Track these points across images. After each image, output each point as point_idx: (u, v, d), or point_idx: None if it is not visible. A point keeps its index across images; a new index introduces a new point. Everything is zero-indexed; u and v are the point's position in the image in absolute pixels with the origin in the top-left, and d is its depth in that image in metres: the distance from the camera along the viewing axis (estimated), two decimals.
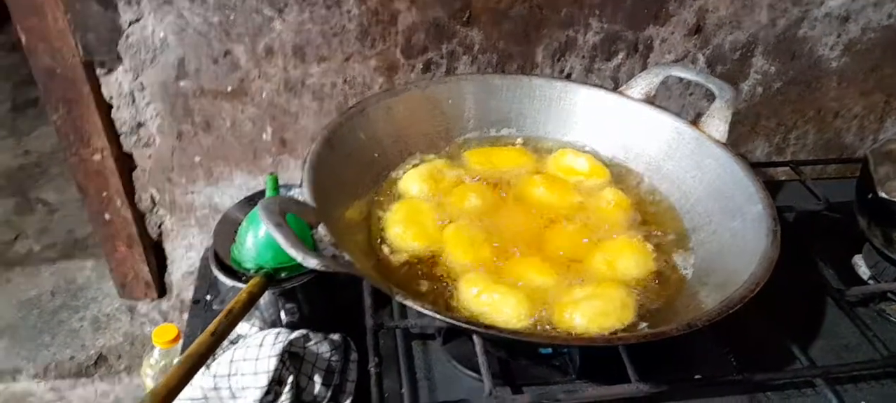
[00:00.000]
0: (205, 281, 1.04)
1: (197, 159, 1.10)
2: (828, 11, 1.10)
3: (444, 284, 0.71)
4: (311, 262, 0.54)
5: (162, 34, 0.98)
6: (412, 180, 0.83)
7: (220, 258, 0.87)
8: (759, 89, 1.17)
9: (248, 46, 1.00)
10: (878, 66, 1.17)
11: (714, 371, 0.75)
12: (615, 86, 1.12)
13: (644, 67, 1.12)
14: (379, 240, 0.76)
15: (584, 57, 1.09)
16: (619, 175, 0.88)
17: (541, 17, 1.04)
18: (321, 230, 0.62)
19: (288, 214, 0.61)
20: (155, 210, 1.16)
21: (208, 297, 1.00)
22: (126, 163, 1.10)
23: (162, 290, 1.26)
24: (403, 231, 0.76)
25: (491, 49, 1.07)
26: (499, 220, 0.80)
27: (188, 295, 1.26)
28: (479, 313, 0.68)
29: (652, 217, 0.83)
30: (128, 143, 1.08)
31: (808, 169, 1.08)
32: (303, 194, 0.68)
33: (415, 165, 0.86)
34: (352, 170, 0.80)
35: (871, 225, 0.92)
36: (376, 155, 0.84)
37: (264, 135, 1.09)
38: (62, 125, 1.04)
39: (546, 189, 0.84)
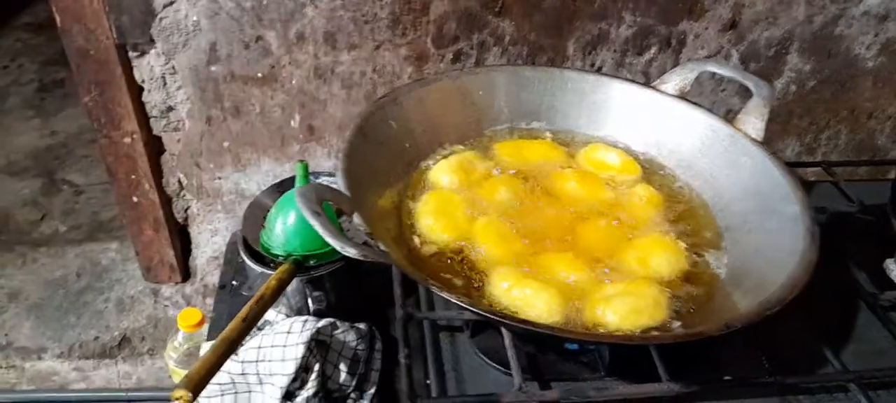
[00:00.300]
0: (231, 267, 1.05)
1: (225, 144, 1.10)
2: (866, 9, 1.08)
3: (475, 277, 0.71)
4: (350, 251, 0.54)
5: (195, 18, 0.98)
6: (443, 171, 0.82)
7: (249, 243, 0.88)
8: (793, 87, 1.15)
9: (279, 32, 1.00)
10: None
11: (745, 373, 0.74)
12: (646, 81, 1.10)
13: (676, 63, 1.10)
14: (409, 231, 0.76)
15: (615, 51, 1.08)
16: (650, 171, 0.87)
17: (574, 9, 1.03)
18: (356, 219, 0.62)
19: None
20: (182, 194, 1.17)
21: (234, 282, 1.00)
22: (155, 147, 1.11)
23: (186, 274, 1.27)
24: (434, 222, 0.75)
25: (522, 41, 1.06)
26: (529, 214, 0.80)
27: (212, 279, 1.26)
28: (510, 307, 0.67)
29: (684, 214, 0.82)
30: (158, 127, 1.08)
31: (840, 169, 1.06)
32: (336, 182, 0.68)
33: (445, 156, 0.86)
34: (383, 159, 0.80)
35: None
36: (407, 144, 0.84)
37: (292, 122, 1.09)
38: (94, 107, 1.05)
39: (577, 183, 0.83)
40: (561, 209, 0.80)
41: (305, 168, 0.86)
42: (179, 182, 1.15)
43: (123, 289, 1.36)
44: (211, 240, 1.22)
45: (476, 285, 0.70)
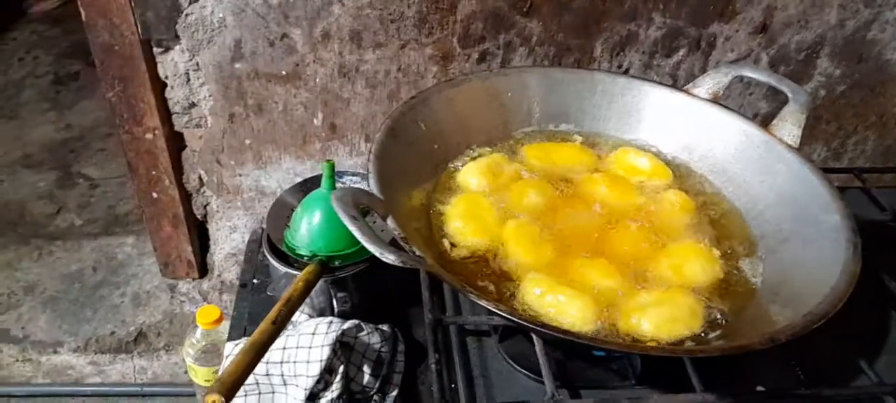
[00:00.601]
0: (251, 265, 1.04)
1: (247, 142, 1.09)
2: None
3: (506, 282, 0.70)
4: (390, 258, 0.53)
5: (221, 14, 0.97)
6: (471, 173, 0.81)
7: (273, 243, 0.87)
8: (822, 92, 1.13)
9: (305, 30, 0.99)
10: None
11: (779, 384, 0.73)
12: (675, 83, 1.09)
13: (705, 65, 1.09)
14: (439, 233, 0.75)
15: (643, 52, 1.06)
16: (682, 176, 0.86)
17: (603, 10, 1.01)
18: (390, 222, 0.61)
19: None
20: (202, 190, 1.16)
21: (256, 281, 0.99)
22: (176, 143, 1.10)
23: (203, 270, 1.26)
24: (464, 225, 0.74)
25: (549, 41, 1.04)
26: (559, 218, 0.79)
27: (229, 276, 1.26)
28: (543, 313, 0.66)
29: (717, 221, 0.80)
30: (180, 123, 1.07)
31: (870, 176, 1.04)
32: (363, 183, 0.67)
33: (473, 158, 0.84)
34: (412, 160, 0.79)
35: None
36: (436, 146, 0.83)
37: (315, 121, 1.08)
38: (117, 102, 1.04)
39: (608, 188, 0.82)
40: (591, 213, 0.79)
41: (332, 168, 0.85)
42: (200, 178, 1.14)
43: (140, 284, 1.35)
44: (229, 237, 1.21)
45: (508, 290, 0.69)
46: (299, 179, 1.12)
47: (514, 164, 0.85)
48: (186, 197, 1.16)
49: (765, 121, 0.86)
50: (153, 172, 1.11)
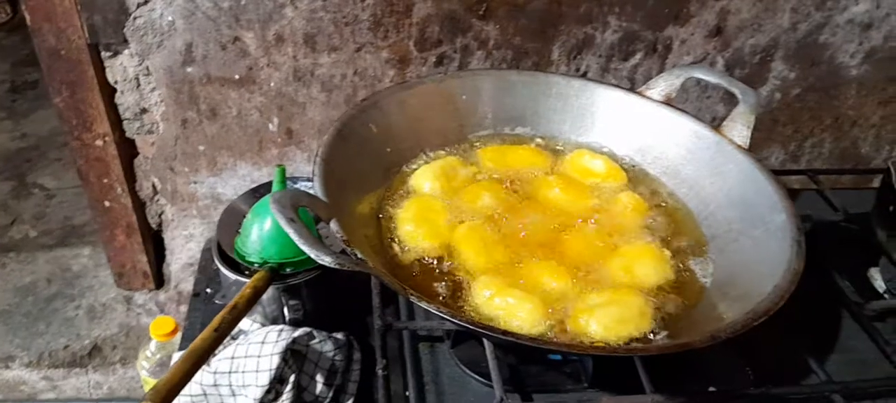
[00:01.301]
0: (205, 274, 1.02)
1: (201, 148, 1.07)
2: (851, 18, 1.08)
3: (456, 285, 0.69)
4: (325, 259, 0.52)
5: (170, 18, 0.95)
6: (424, 177, 0.80)
7: (224, 250, 0.85)
8: (778, 95, 1.15)
9: (257, 33, 0.98)
10: None
11: (730, 384, 0.73)
12: (632, 86, 1.09)
13: (662, 68, 1.09)
14: (389, 237, 0.73)
15: (600, 56, 1.07)
16: (635, 178, 0.86)
17: (559, 13, 1.02)
18: (333, 226, 0.60)
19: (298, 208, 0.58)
20: (156, 199, 1.13)
21: (209, 290, 0.97)
22: (128, 150, 1.07)
23: (159, 281, 1.24)
24: (414, 229, 0.73)
25: (506, 44, 1.04)
26: (512, 221, 0.78)
27: (186, 286, 1.23)
28: (492, 316, 0.65)
29: (669, 222, 0.80)
30: (130, 129, 1.05)
31: (824, 178, 1.06)
32: (313, 187, 0.66)
33: (427, 161, 0.84)
34: (363, 164, 0.77)
35: (889, 238, 0.90)
36: (388, 149, 0.82)
37: (270, 126, 1.06)
38: (64, 109, 1.01)
39: (561, 190, 0.81)
40: (545, 216, 0.78)
41: (283, 172, 0.84)
42: (153, 186, 1.11)
43: (95, 296, 1.32)
44: (185, 247, 1.19)
45: (458, 294, 0.68)
46: (249, 183, 1.10)
47: (469, 167, 0.84)
48: (140, 205, 1.13)
49: (721, 124, 0.87)
50: (105, 180, 1.09)
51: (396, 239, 0.73)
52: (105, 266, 1.27)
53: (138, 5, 0.93)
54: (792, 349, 0.78)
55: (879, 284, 0.92)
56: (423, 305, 0.54)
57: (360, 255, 0.57)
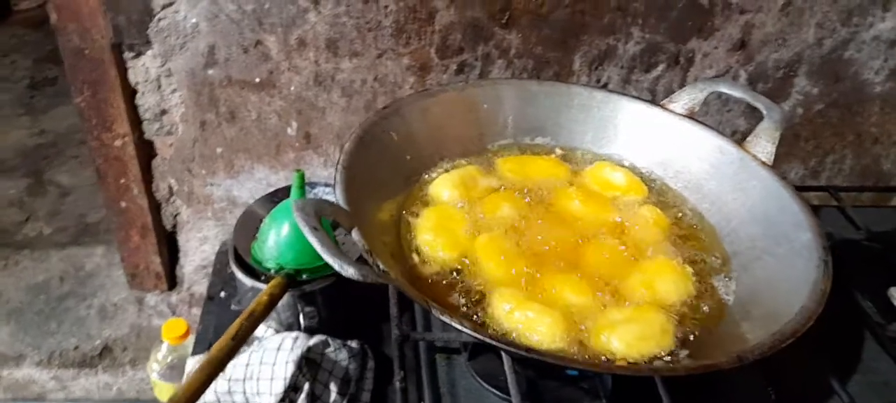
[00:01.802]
0: (220, 277, 1.01)
1: (219, 150, 1.07)
2: (877, 34, 1.06)
3: (475, 297, 0.68)
4: (349, 272, 0.51)
5: (194, 20, 0.95)
6: (443, 185, 0.80)
7: (240, 255, 0.85)
8: (800, 110, 1.14)
9: (280, 37, 0.98)
10: None
11: None
12: (652, 98, 1.08)
13: (684, 81, 1.08)
14: (408, 246, 0.73)
15: (622, 67, 1.06)
16: (657, 192, 0.85)
17: (582, 23, 1.01)
18: (355, 235, 0.59)
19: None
20: (171, 200, 1.13)
21: (223, 294, 0.97)
22: (146, 151, 1.08)
23: (172, 282, 1.24)
24: (434, 238, 0.72)
25: (527, 54, 1.04)
26: (532, 232, 0.77)
27: (199, 289, 1.23)
28: (511, 330, 0.64)
29: (691, 238, 0.79)
30: (150, 130, 1.05)
31: (846, 195, 1.04)
32: (333, 194, 0.65)
33: (447, 170, 0.83)
34: (383, 171, 0.77)
35: None
36: (409, 157, 0.81)
37: (289, 130, 1.06)
38: (86, 108, 1.01)
39: (582, 203, 0.80)
40: (565, 228, 0.77)
41: (302, 178, 0.83)
42: (170, 187, 1.11)
43: (107, 296, 1.32)
44: (199, 249, 1.19)
45: (477, 306, 0.67)
46: (272, 189, 1.10)
47: (489, 177, 0.83)
48: (156, 206, 1.13)
49: (743, 139, 0.86)
50: (122, 180, 1.09)
51: (416, 249, 0.73)
52: (118, 265, 1.27)
53: (163, 7, 0.94)
54: (815, 370, 0.76)
55: None
56: (444, 318, 0.54)
57: (382, 267, 0.56)
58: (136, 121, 1.04)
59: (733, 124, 1.14)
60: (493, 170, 0.85)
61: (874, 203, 1.23)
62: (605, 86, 1.08)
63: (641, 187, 0.84)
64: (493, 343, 0.55)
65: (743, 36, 1.05)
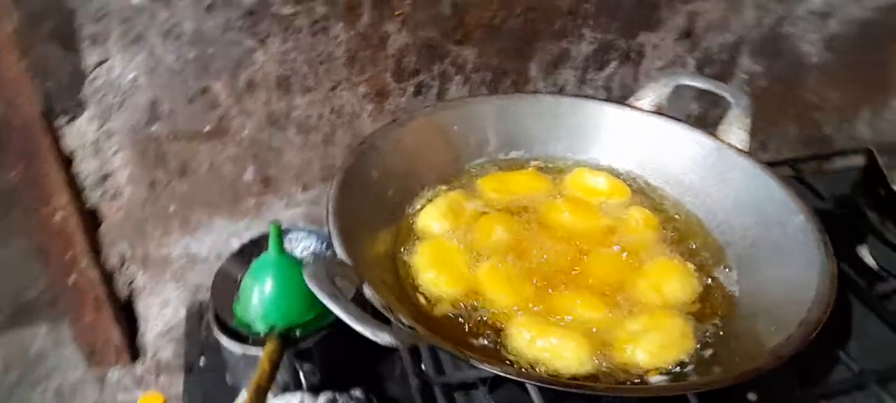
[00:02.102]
0: (195, 343, 0.95)
1: (172, 208, 1.00)
2: (810, 8, 1.11)
3: (492, 329, 0.66)
4: (384, 339, 0.48)
5: (132, 75, 0.88)
6: (431, 217, 0.77)
7: (222, 320, 0.79)
8: (747, 89, 1.17)
9: (227, 82, 0.92)
10: (857, 59, 1.19)
11: (771, 391, 0.72)
12: (608, 94, 1.09)
13: (637, 74, 1.09)
14: (412, 286, 0.70)
15: (577, 68, 1.06)
16: (640, 191, 0.85)
17: (534, 31, 1.00)
18: (368, 291, 0.56)
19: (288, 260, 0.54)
20: (124, 267, 1.05)
21: (202, 361, 0.90)
22: (91, 219, 0.99)
23: (134, 353, 1.15)
24: (437, 276, 0.70)
25: (483, 66, 1.02)
26: (529, 251, 0.76)
27: (165, 355, 1.15)
28: (536, 360, 0.62)
29: (682, 234, 0.80)
30: (93, 197, 0.97)
31: (803, 166, 1.08)
32: (316, 239, 0.61)
33: (430, 199, 0.80)
34: (368, 211, 0.74)
35: (883, 220, 0.93)
36: (390, 192, 0.78)
37: (246, 176, 1.00)
38: (20, 183, 0.92)
39: (571, 213, 0.79)
40: (561, 242, 0.76)
41: (279, 231, 0.78)
42: (121, 255, 1.03)
43: (63, 377, 1.21)
44: (161, 313, 1.11)
45: (496, 339, 0.65)
46: (235, 239, 1.04)
47: (473, 200, 0.81)
48: (107, 276, 1.05)
49: (699, 123, 0.87)
50: (68, 255, 1.00)
51: (419, 288, 0.70)
52: (68, 343, 1.17)
53: (96, 65, 0.86)
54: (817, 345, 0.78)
55: (870, 262, 0.94)
56: (487, 367, 0.51)
57: (406, 322, 0.53)
58: (76, 189, 0.96)
59: (687, 108, 1.16)
60: (476, 192, 0.83)
61: (819, 170, 1.28)
62: (561, 90, 1.08)
63: (624, 189, 0.84)
64: (549, 386, 0.53)
65: (688, 24, 1.07)
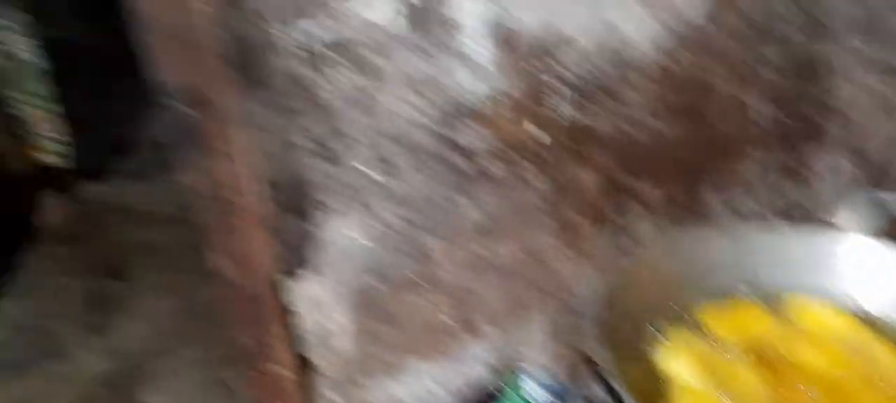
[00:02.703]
0: None
1: (379, 355, 1.04)
2: None
3: None
4: None
5: (354, 235, 0.94)
6: (678, 363, 0.77)
7: None
8: None
9: (437, 234, 0.97)
10: None
11: None
12: (784, 214, 1.10)
13: (810, 194, 1.11)
14: None
15: (749, 191, 1.09)
16: (875, 327, 0.83)
17: (705, 157, 1.04)
18: None
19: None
20: None
21: None
22: (307, 373, 1.04)
23: None
24: None
25: (666, 200, 1.05)
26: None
27: None
28: None
29: None
30: (311, 352, 1.02)
31: None
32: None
33: (667, 342, 0.81)
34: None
35: None
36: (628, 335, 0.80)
37: (448, 320, 1.04)
38: (246, 342, 0.98)
39: (820, 355, 0.78)
40: (824, 391, 0.75)
41: (516, 380, 0.81)
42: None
43: None
44: None
45: None
46: (437, 386, 1.07)
47: (713, 342, 0.81)
48: None
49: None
50: None
51: None
52: None
53: (321, 229, 0.93)
54: None
55: None
56: None
57: None
58: (296, 345, 1.01)
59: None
60: (708, 331, 0.83)
61: None
62: (738, 213, 1.10)
63: (859, 325, 0.83)
64: None
65: (858, 142, 1.09)
